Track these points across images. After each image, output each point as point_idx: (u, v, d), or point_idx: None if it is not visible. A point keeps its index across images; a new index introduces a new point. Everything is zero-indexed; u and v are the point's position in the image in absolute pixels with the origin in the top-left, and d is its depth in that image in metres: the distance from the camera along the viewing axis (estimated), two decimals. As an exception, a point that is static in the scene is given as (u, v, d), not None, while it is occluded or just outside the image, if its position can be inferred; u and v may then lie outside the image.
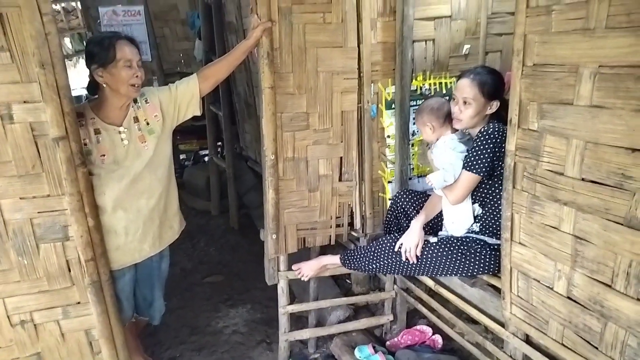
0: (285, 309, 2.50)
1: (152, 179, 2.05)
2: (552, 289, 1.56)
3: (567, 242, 1.47)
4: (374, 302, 2.80)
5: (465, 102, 1.95)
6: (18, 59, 1.63)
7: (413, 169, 2.52)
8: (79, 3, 5.47)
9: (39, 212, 1.79)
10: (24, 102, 1.67)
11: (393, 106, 2.36)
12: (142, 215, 2.05)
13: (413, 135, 2.45)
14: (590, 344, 1.47)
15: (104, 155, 1.95)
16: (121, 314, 2.10)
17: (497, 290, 1.91)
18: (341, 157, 2.39)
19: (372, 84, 2.32)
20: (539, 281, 1.61)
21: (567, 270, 1.48)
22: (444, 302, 2.28)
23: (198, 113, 2.16)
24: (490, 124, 1.92)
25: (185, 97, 2.10)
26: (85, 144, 1.90)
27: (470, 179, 1.94)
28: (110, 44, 1.88)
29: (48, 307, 1.90)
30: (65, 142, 1.74)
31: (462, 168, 1.96)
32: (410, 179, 2.50)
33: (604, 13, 1.25)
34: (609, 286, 1.36)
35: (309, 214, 2.42)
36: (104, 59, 1.88)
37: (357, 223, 2.52)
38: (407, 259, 2.09)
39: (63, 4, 7.41)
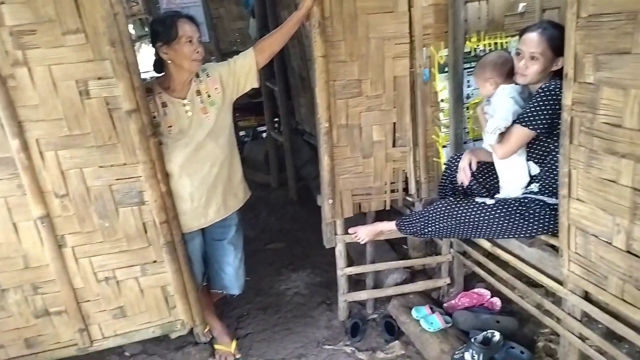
0: (343, 271, 2.60)
1: (214, 147, 2.18)
2: (610, 243, 1.54)
3: (625, 195, 1.44)
4: (430, 265, 2.84)
5: (532, 57, 1.90)
6: (91, 39, 1.79)
7: (468, 132, 2.50)
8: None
9: (116, 179, 1.98)
10: (99, 78, 1.84)
11: (446, 69, 2.35)
12: (206, 182, 2.19)
13: (468, 98, 2.43)
14: (650, 297, 1.45)
15: (170, 126, 2.10)
16: (194, 274, 2.28)
17: (556, 249, 1.90)
18: (394, 123, 2.42)
19: (424, 48, 2.31)
20: (597, 237, 1.59)
21: (626, 224, 1.46)
22: (502, 264, 2.28)
23: (256, 85, 2.26)
24: (552, 81, 1.87)
25: (243, 70, 2.20)
26: (154, 117, 2.06)
27: (523, 133, 1.91)
28: (172, 23, 2.01)
29: (128, 265, 2.10)
30: (137, 115, 1.90)
31: (516, 122, 1.93)
32: (465, 142, 2.49)
33: (665, -48, 1.20)
34: (670, 238, 1.33)
35: (363, 180, 2.48)
36: (168, 37, 2.01)
37: (412, 188, 2.55)
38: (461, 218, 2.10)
39: (125, -9, 7.77)
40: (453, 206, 2.16)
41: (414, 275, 2.83)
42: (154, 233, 2.08)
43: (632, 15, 1.30)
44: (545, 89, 1.86)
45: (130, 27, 8.54)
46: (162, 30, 2.02)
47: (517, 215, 2.01)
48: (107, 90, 1.86)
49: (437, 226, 2.21)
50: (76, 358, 2.32)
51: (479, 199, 2.16)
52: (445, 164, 2.44)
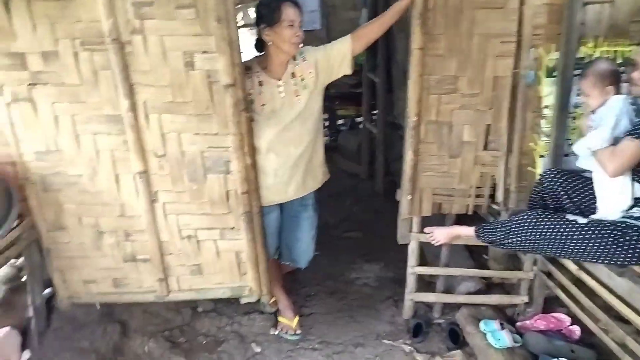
0: (413, 269, 2.56)
1: (301, 130, 2.26)
2: None
3: None
4: (509, 281, 2.68)
5: None
6: (201, 15, 1.92)
7: (571, 144, 2.30)
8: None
9: (208, 147, 2.13)
10: (203, 52, 1.98)
11: (554, 74, 2.17)
12: (289, 160, 2.27)
13: (576, 107, 2.24)
14: None
15: (263, 105, 2.20)
16: (267, 246, 2.39)
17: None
18: (488, 125, 2.31)
19: (532, 49, 2.16)
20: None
21: None
22: (587, 291, 2.09)
23: (349, 72, 2.29)
24: None
25: (338, 56, 2.24)
26: (250, 94, 2.17)
27: (637, 149, 1.73)
28: (276, 6, 2.10)
29: (209, 227, 2.27)
30: (234, 89, 2.03)
31: (630, 135, 1.75)
32: (566, 155, 2.30)
33: None
34: None
35: (447, 180, 2.40)
36: (271, 20, 2.10)
37: (500, 196, 2.42)
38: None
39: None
40: (540, 219, 2.02)
41: (489, 287, 2.70)
42: (235, 202, 2.21)
43: None
44: None
45: (251, 10, 8.94)
46: (266, 13, 2.12)
47: (611, 239, 1.83)
48: (209, 64, 2.00)
49: (519, 238, 2.08)
50: (153, 305, 2.56)
51: (570, 216, 2.00)
52: (539, 176, 2.28)
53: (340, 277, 3.11)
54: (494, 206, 2.46)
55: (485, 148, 2.35)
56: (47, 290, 2.57)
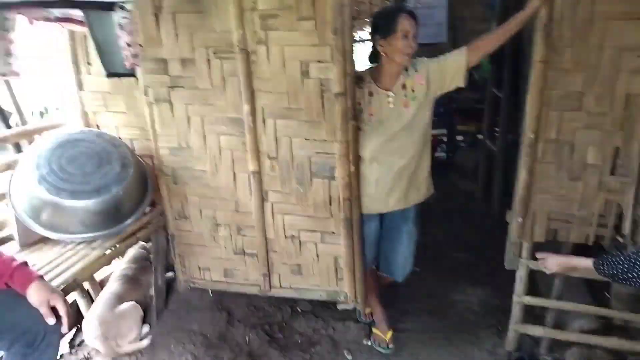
0: (520, 298, 2.39)
1: (407, 141, 2.24)
2: None
3: None
4: (634, 324, 2.37)
5: None
6: (319, 26, 2.04)
7: None
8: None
9: (316, 152, 2.24)
10: (318, 61, 2.09)
11: None
12: (392, 171, 2.26)
13: None
14: None
15: (371, 115, 2.23)
16: (365, 255, 2.42)
17: None
18: (617, 147, 2.08)
19: (678, 65, 1.92)
20: None
21: None
22: None
23: (462, 85, 2.23)
24: None
25: (451, 69, 2.19)
26: (359, 104, 2.22)
27: None
28: (393, 17, 2.11)
29: (311, 229, 2.37)
30: (343, 98, 2.11)
31: None
32: None
33: None
34: None
35: (565, 204, 2.21)
36: (387, 30, 2.12)
37: (627, 227, 2.15)
38: None
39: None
40: None
41: (609, 328, 2.40)
42: (337, 207, 2.28)
43: None
44: None
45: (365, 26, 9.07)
46: (382, 23, 2.15)
47: None
48: (323, 73, 2.11)
49: None
50: (257, 298, 2.73)
51: None
52: None
53: (442, 298, 3.01)
54: (620, 238, 2.21)
55: (612, 173, 2.12)
56: (169, 274, 2.88)
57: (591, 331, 2.37)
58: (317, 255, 2.40)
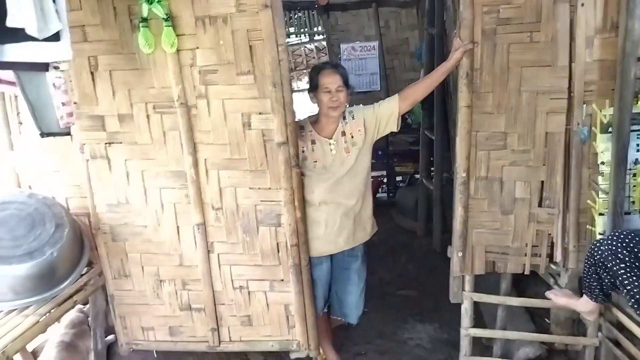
0: (467, 330, 2.46)
1: (352, 184, 2.35)
2: None
3: None
4: (573, 347, 2.50)
5: None
6: (258, 80, 2.11)
7: (633, 202, 2.20)
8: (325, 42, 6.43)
9: (261, 201, 2.25)
10: (259, 113, 2.15)
11: (610, 130, 2.12)
12: (340, 212, 2.35)
13: (636, 164, 2.15)
14: None
15: (316, 162, 2.32)
16: (314, 301, 2.41)
17: None
18: (542, 181, 2.26)
19: (585, 105, 2.14)
20: None
21: None
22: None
23: (395, 129, 2.38)
24: None
25: (385, 115, 2.34)
26: (303, 151, 2.30)
27: None
28: (315, 74, 2.31)
29: (260, 279, 2.35)
30: (286, 147, 2.16)
31: None
32: (627, 213, 2.19)
33: None
34: None
35: (500, 237, 2.34)
36: (312, 86, 2.31)
37: (558, 255, 2.31)
38: None
39: (316, 44, 8.72)
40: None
41: (551, 353, 2.52)
42: (285, 254, 2.28)
43: None
44: None
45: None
46: (311, 78, 2.35)
47: None
48: (264, 124, 2.16)
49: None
50: (205, 355, 2.62)
51: None
52: (590, 246, 2.11)
53: (392, 337, 3.03)
54: (553, 266, 2.36)
55: (540, 205, 2.29)
56: (110, 337, 2.72)
57: (536, 358, 2.48)
58: (267, 305, 2.37)
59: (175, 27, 2.03)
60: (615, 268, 1.88)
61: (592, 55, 2.10)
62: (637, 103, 2.06)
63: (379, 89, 5.63)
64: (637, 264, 1.83)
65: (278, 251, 2.29)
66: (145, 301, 2.43)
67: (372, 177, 2.66)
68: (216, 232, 2.31)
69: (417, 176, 5.39)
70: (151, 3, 1.90)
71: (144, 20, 1.98)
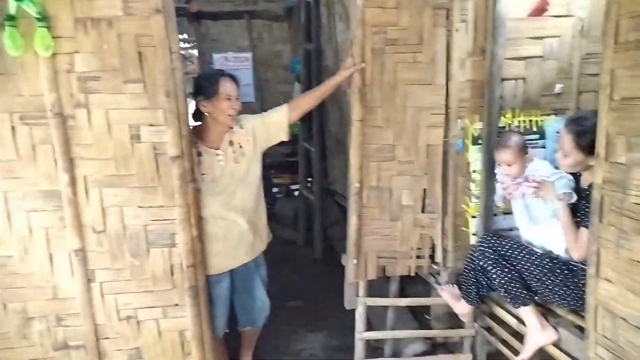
0: (361, 334, 2.55)
1: (244, 195, 2.31)
2: (641, 329, 1.49)
3: (657, 279, 1.41)
4: (453, 339, 2.75)
5: (564, 154, 1.98)
6: (149, 89, 1.94)
7: (498, 206, 2.51)
8: (196, 51, 6.20)
9: (152, 220, 2.06)
10: (150, 125, 1.98)
11: (479, 142, 2.40)
12: (237, 224, 2.30)
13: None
14: (684, 391, 1.37)
15: (204, 174, 2.22)
16: (215, 321, 2.31)
17: (582, 331, 1.84)
18: (425, 189, 2.46)
19: (459, 120, 2.39)
20: (626, 320, 1.54)
21: (658, 309, 1.42)
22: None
23: (285, 139, 2.41)
24: None
25: (275, 124, 2.35)
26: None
27: None
28: (215, 80, 2.21)
29: (151, 306, 2.14)
30: (181, 161, 2.02)
31: (583, 226, 1.89)
32: (495, 215, 2.49)
33: (694, 46, 1.25)
34: None
35: (390, 243, 2.49)
36: (210, 93, 2.20)
37: (439, 256, 2.54)
38: None
39: (182, 52, 8.36)
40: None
41: (434, 347, 2.75)
42: (180, 276, 2.12)
43: (663, 101, 1.34)
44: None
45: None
46: (205, 85, 2.22)
47: (562, 277, 2.00)
48: (156, 136, 1.99)
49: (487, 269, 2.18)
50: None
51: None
52: (468, 255, 2.34)
53: (285, 350, 3.02)
54: (434, 266, 2.57)
55: (423, 211, 2.49)
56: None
57: (422, 353, 2.67)
58: (160, 333, 2.17)
59: (49, 29, 1.77)
60: (485, 266, 2.17)
61: (465, 75, 2.35)
62: (501, 118, 2.36)
63: (253, 100, 5.62)
64: (500, 260, 2.14)
65: (172, 274, 2.12)
66: (9, 344, 2.05)
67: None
68: (98, 258, 2.05)
69: (295, 187, 5.49)
70: (21, 0, 1.63)
71: (11, 18, 1.69)
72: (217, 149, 2.26)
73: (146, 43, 1.90)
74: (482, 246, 2.21)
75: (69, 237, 2.00)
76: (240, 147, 2.30)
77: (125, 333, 2.15)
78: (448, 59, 2.32)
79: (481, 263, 2.20)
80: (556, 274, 2.01)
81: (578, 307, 1.97)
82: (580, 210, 1.95)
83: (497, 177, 2.31)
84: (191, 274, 2.12)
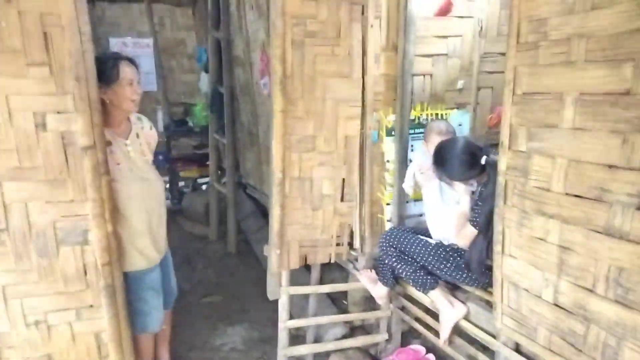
0: (285, 323, 2.58)
1: (158, 185, 2.31)
2: (540, 297, 1.69)
3: (553, 252, 1.61)
4: (369, 321, 2.89)
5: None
6: (56, 73, 1.79)
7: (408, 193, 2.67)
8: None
9: (62, 216, 1.91)
10: (57, 112, 1.82)
11: (393, 133, 2.54)
12: (157, 215, 2.28)
13: (411, 161, 2.62)
14: (574, 347, 1.59)
15: (119, 164, 2.13)
16: (151, 316, 2.31)
17: (489, 304, 2.04)
18: (344, 179, 2.54)
19: (374, 112, 2.50)
20: (528, 291, 1.74)
21: (554, 278, 1.62)
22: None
23: None
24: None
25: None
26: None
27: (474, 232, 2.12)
28: (114, 65, 2.08)
29: (62, 308, 1.98)
30: (93, 152, 1.88)
31: (471, 221, 2.12)
32: (407, 202, 2.65)
33: (583, 48, 1.45)
34: (591, 291, 1.50)
35: (311, 232, 2.55)
36: (109, 78, 2.05)
37: (357, 242, 2.64)
38: None
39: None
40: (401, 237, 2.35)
41: (353, 330, 2.87)
42: (94, 275, 1.99)
43: (559, 95, 1.53)
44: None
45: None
46: (104, 70, 2.02)
47: (451, 259, 2.21)
48: (64, 125, 1.83)
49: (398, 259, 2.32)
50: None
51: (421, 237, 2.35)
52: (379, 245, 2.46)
53: (205, 346, 2.96)
54: (353, 252, 2.68)
55: (342, 200, 2.58)
56: None
57: (342, 337, 2.77)
58: (73, 337, 2.02)
59: None
60: (390, 262, 2.34)
61: (379, 69, 2.47)
62: (412, 111, 2.52)
63: (155, 89, 5.36)
64: (401, 255, 2.31)
65: (85, 273, 1.98)
66: None
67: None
68: (0, 259, 1.85)
69: (202, 181, 5.35)
70: None
71: None
72: (125, 139, 2.18)
73: (52, 23, 1.74)
74: (383, 245, 2.37)
75: (-38, 238, 1.78)
76: (148, 143, 2.32)
77: (33, 340, 1.97)
78: (364, 53, 2.41)
79: (386, 261, 2.35)
80: (450, 261, 2.21)
81: (477, 285, 2.18)
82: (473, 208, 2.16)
83: (412, 163, 2.45)
84: (107, 272, 2.00)
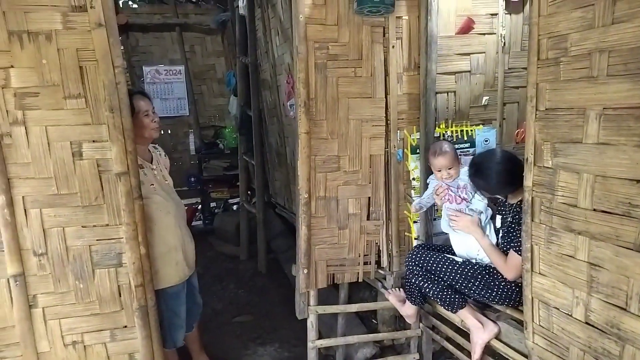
0: (314, 343, 2.59)
1: (182, 205, 2.48)
2: (571, 315, 1.65)
3: (582, 269, 1.58)
4: (400, 341, 2.86)
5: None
6: (91, 104, 1.89)
7: (437, 210, 2.66)
8: (124, 62, 6.01)
9: (97, 240, 2.00)
10: (93, 141, 1.92)
11: (418, 151, 2.54)
12: (185, 233, 2.42)
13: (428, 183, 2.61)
14: (610, 367, 1.54)
15: (153, 185, 2.28)
16: (176, 332, 2.40)
17: (520, 323, 2.00)
18: (369, 197, 2.56)
19: (398, 131, 2.52)
20: (558, 309, 1.70)
21: (584, 296, 1.58)
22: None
23: None
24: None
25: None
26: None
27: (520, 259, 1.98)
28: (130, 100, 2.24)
29: (98, 329, 2.06)
30: (127, 177, 1.97)
31: (513, 249, 2.04)
32: (434, 219, 2.64)
33: (605, 63, 1.43)
34: (624, 309, 1.46)
35: (338, 251, 2.56)
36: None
37: (384, 261, 2.64)
38: None
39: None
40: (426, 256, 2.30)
41: (383, 350, 2.84)
42: (128, 296, 2.06)
43: (582, 110, 1.52)
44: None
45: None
46: None
47: (480, 277, 2.15)
48: (100, 153, 1.94)
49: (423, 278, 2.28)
50: None
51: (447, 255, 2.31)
52: (406, 263, 2.42)
53: (236, 365, 2.99)
54: (381, 271, 2.67)
55: (369, 218, 2.59)
56: None
57: (372, 356, 2.75)
58: (108, 357, 2.09)
59: (-21, 42, 1.69)
60: (416, 282, 2.31)
61: (402, 89, 2.49)
62: (437, 128, 2.52)
63: (188, 113, 5.53)
64: (428, 274, 2.27)
65: (120, 295, 2.06)
66: (-63, 383, 1.89)
67: (186, 204, 2.83)
68: (40, 282, 1.95)
69: (233, 201, 5.46)
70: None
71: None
72: (150, 162, 2.37)
73: (87, 57, 1.86)
74: (409, 264, 2.34)
75: (7, 262, 1.88)
76: (166, 169, 2.51)
77: (71, 359, 2.04)
78: (386, 73, 2.45)
79: (413, 280, 2.33)
80: (479, 279, 2.16)
81: (507, 303, 2.13)
82: (508, 228, 2.09)
83: (430, 184, 2.44)
84: (140, 293, 2.06)
